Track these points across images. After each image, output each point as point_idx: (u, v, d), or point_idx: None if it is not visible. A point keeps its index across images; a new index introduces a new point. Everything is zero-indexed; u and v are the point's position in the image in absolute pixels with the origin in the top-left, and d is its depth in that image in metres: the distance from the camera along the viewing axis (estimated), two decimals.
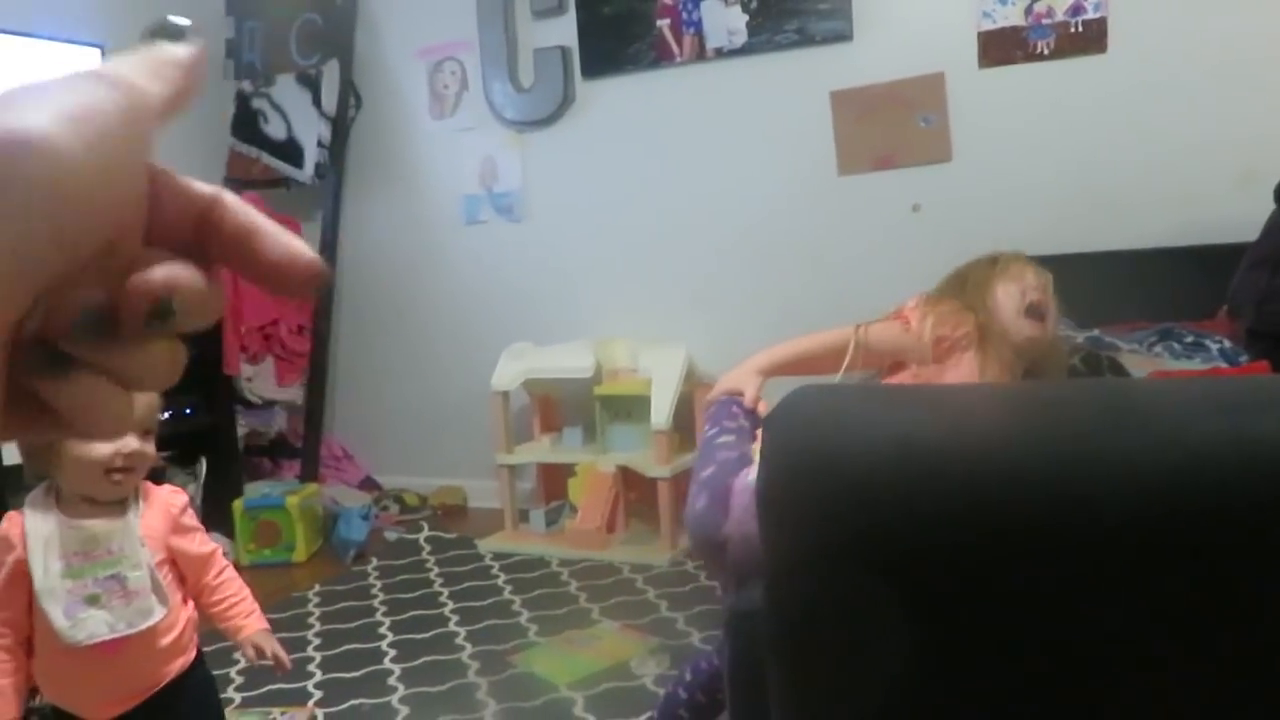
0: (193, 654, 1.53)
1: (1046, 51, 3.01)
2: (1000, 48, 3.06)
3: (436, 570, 3.20)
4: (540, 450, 3.59)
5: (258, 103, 4.06)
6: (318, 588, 3.08)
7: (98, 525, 1.44)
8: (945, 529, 0.73)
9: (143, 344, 0.29)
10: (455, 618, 2.78)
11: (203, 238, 0.31)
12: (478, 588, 3.01)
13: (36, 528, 1.42)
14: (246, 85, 4.08)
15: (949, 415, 0.78)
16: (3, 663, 1.41)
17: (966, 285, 1.88)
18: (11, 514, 1.46)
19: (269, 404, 3.98)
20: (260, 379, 3.91)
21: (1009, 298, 1.79)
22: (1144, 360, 2.19)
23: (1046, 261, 2.92)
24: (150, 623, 1.44)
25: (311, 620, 2.81)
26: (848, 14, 3.23)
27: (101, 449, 1.39)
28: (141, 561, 1.45)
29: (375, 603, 2.94)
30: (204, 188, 0.31)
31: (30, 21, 3.22)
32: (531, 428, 3.67)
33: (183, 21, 0.31)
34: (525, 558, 3.24)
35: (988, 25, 3.07)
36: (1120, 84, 2.98)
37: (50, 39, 3.27)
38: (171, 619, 1.47)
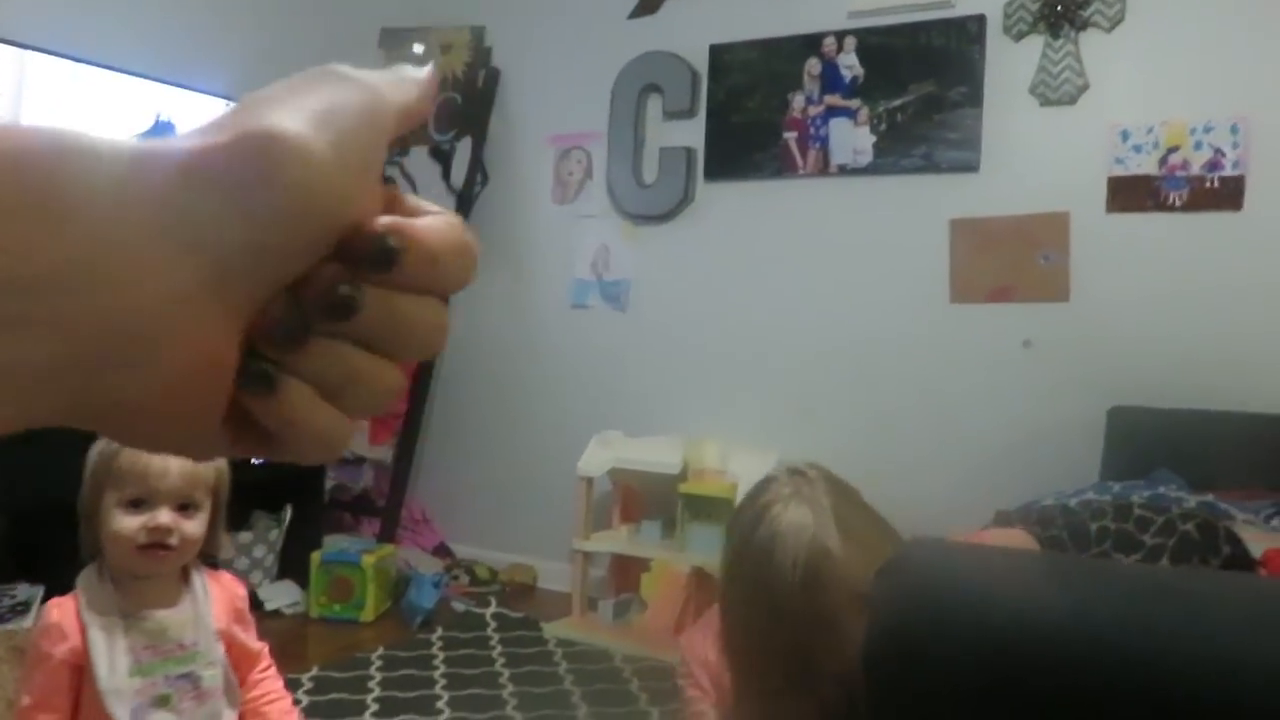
0: None
1: (1178, 203, 2.96)
2: (1130, 194, 3.02)
3: (500, 649, 3.18)
4: (617, 540, 3.56)
5: (389, 170, 4.22)
6: (381, 650, 3.08)
7: (167, 616, 1.31)
8: (1060, 716, 0.70)
9: (343, 353, 0.29)
10: (513, 701, 2.74)
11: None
12: (539, 673, 2.97)
13: (95, 616, 1.27)
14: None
15: (1073, 594, 0.75)
16: None
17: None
18: (61, 600, 1.30)
19: (359, 460, 4.06)
20: (354, 435, 3.98)
21: None
22: (1260, 534, 2.08)
23: (1159, 416, 2.81)
24: None
25: (372, 685, 2.81)
26: (977, 146, 3.23)
27: (129, 522, 1.26)
28: (216, 659, 1.34)
29: (436, 674, 2.92)
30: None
31: (162, 68, 3.33)
32: (610, 516, 3.65)
33: (420, 49, 0.32)
34: (589, 648, 3.20)
35: (1119, 171, 3.04)
36: (1253, 243, 2.90)
37: (181, 87, 3.36)
38: None
